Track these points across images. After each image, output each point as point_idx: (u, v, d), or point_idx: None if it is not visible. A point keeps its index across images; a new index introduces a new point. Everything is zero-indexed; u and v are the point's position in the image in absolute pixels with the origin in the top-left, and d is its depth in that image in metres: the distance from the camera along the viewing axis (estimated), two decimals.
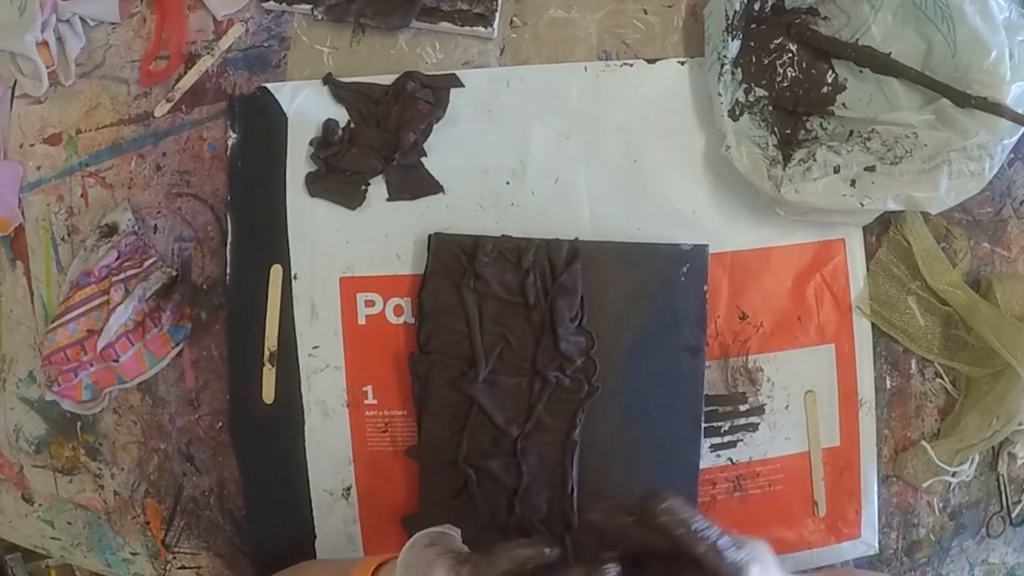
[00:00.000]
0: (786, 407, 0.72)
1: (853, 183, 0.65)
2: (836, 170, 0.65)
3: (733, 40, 0.67)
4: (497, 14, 0.72)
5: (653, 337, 0.70)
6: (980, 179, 0.63)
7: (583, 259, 0.68)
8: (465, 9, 0.72)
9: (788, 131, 0.70)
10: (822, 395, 0.72)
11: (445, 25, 0.72)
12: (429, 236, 0.70)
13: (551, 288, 0.68)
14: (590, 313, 0.69)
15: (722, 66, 0.67)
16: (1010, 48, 0.62)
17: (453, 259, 0.69)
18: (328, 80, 0.73)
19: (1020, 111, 0.62)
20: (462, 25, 0.72)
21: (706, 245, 0.70)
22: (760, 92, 0.70)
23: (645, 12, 0.73)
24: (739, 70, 0.68)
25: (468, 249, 0.69)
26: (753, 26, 0.70)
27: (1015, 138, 0.63)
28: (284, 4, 0.73)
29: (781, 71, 0.70)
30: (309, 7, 0.72)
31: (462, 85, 0.72)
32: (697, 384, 0.70)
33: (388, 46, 0.74)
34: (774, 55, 0.70)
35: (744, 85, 0.69)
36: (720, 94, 0.67)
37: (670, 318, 0.70)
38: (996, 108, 0.62)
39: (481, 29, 0.72)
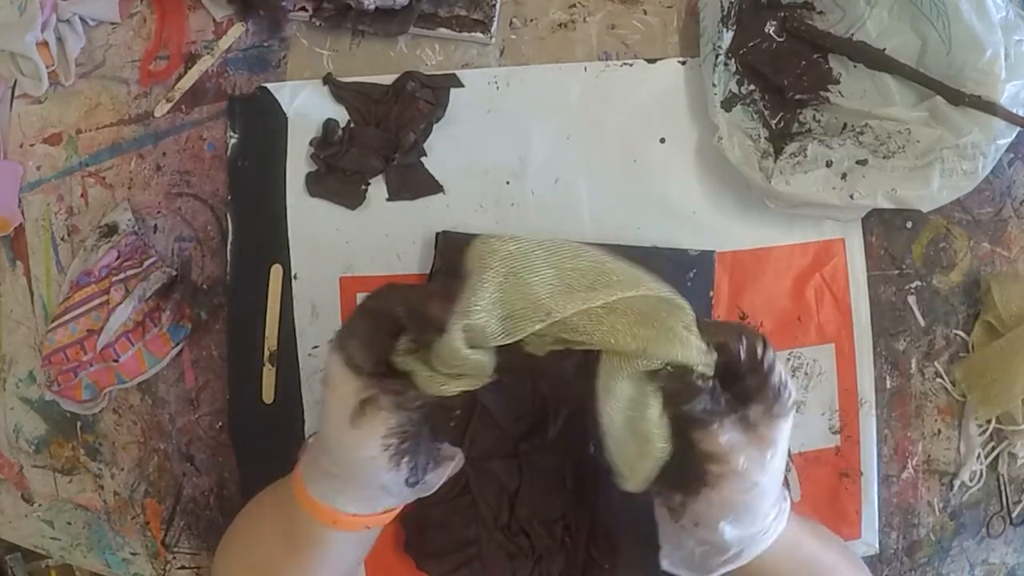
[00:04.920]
0: None
1: (844, 176, 0.65)
2: (828, 164, 0.66)
3: (728, 31, 0.67)
4: (495, 19, 0.72)
5: None
6: (973, 178, 0.63)
7: None
8: (463, 15, 0.71)
9: (781, 124, 0.70)
10: (822, 395, 0.72)
11: (443, 31, 0.72)
12: (437, 234, 0.70)
13: None
14: None
15: (716, 57, 0.67)
16: (1006, 48, 0.62)
17: (460, 258, 0.69)
18: (328, 80, 0.73)
19: (1014, 111, 0.62)
20: (460, 31, 0.72)
21: (713, 251, 0.70)
22: (753, 84, 0.70)
23: (645, 12, 0.73)
24: (733, 61, 0.68)
25: None
26: (748, 18, 0.70)
27: (1009, 138, 0.63)
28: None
29: (775, 64, 0.70)
30: (307, 15, 0.72)
31: (462, 85, 0.72)
32: None
33: (388, 49, 0.74)
34: (768, 48, 0.70)
35: (737, 76, 0.69)
36: (714, 84, 0.67)
37: None
38: (990, 107, 0.62)
39: (479, 35, 0.72)
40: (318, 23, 0.72)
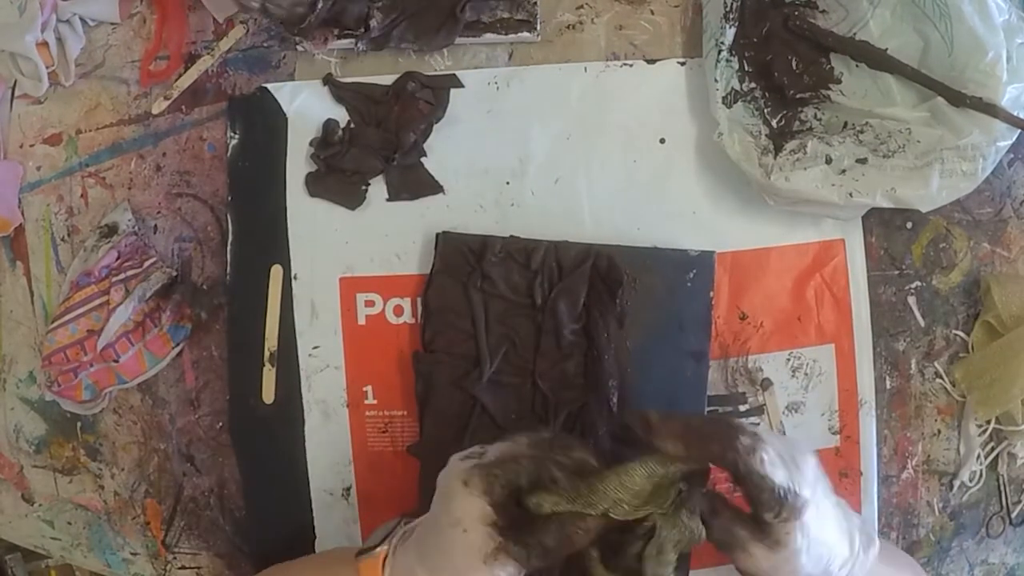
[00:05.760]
0: (786, 407, 0.72)
1: (843, 173, 0.65)
2: (828, 161, 0.66)
3: (730, 27, 0.67)
4: (539, 16, 0.71)
5: (658, 341, 0.70)
6: (973, 179, 0.63)
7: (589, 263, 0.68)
8: (507, 17, 0.71)
9: (783, 122, 0.70)
10: (822, 395, 0.72)
11: (490, 36, 0.72)
12: (437, 235, 0.70)
13: (555, 290, 0.68)
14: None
15: (719, 52, 0.67)
16: (1008, 50, 0.62)
17: (460, 258, 0.69)
18: (328, 80, 0.73)
19: (1015, 113, 0.62)
20: (507, 33, 0.71)
21: (713, 252, 0.70)
22: (754, 82, 0.70)
23: (652, 12, 0.73)
24: (735, 58, 0.68)
25: (476, 249, 0.69)
26: (751, 15, 0.70)
27: (1009, 140, 0.63)
28: (322, 46, 0.72)
29: (777, 62, 0.70)
30: (351, 43, 0.71)
31: (462, 85, 0.72)
32: (700, 389, 0.70)
33: (396, 55, 0.73)
34: (771, 46, 0.70)
35: (739, 73, 0.69)
36: (716, 80, 0.67)
37: (675, 323, 0.70)
38: (991, 109, 0.62)
39: (526, 34, 0.72)
40: (363, 49, 0.71)
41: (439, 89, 0.72)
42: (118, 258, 0.72)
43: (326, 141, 0.72)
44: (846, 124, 0.69)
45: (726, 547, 0.52)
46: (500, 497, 0.50)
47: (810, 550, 0.50)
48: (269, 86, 0.73)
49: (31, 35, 0.71)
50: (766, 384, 0.72)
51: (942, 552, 0.74)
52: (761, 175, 0.66)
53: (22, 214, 0.76)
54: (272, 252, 0.73)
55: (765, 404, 0.72)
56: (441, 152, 0.73)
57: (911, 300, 0.73)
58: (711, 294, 0.70)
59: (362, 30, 0.70)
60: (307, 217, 0.73)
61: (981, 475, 0.73)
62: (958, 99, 0.63)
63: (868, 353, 0.72)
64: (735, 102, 0.68)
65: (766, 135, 0.68)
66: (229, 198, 0.74)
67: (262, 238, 0.73)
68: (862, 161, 0.66)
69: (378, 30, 0.71)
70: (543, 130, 0.72)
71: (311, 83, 0.73)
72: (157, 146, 0.75)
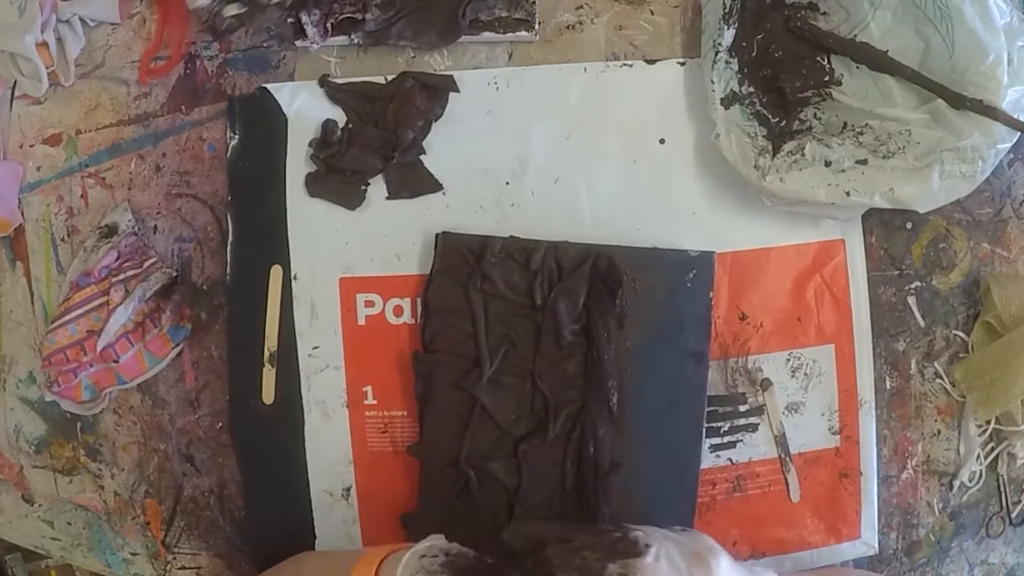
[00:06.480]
0: (786, 407, 0.72)
1: (842, 173, 0.65)
2: (827, 164, 0.66)
3: (729, 29, 0.67)
4: (537, 15, 0.71)
5: (658, 342, 0.70)
6: (972, 181, 0.64)
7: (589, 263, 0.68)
8: (505, 16, 0.71)
9: (782, 122, 0.70)
10: (822, 396, 0.72)
11: (488, 35, 0.72)
12: (437, 235, 0.70)
13: (555, 290, 0.68)
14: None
15: (716, 54, 0.67)
16: (1009, 53, 0.62)
17: (460, 259, 0.69)
18: (323, 82, 0.73)
19: (1016, 116, 0.62)
20: (504, 32, 0.72)
21: (712, 252, 0.70)
22: (753, 84, 0.70)
23: (652, 13, 0.73)
24: (734, 60, 0.68)
25: (476, 249, 0.69)
26: (751, 17, 0.70)
27: (1009, 143, 0.63)
28: (318, 42, 0.71)
29: (777, 63, 0.70)
30: (346, 38, 0.71)
31: (457, 90, 0.72)
32: (700, 390, 0.70)
33: (396, 54, 0.73)
34: (771, 47, 0.70)
35: (739, 75, 0.69)
36: (713, 81, 0.67)
37: (675, 323, 0.70)
38: (991, 112, 0.62)
39: (524, 33, 0.72)
40: (359, 42, 0.71)
41: (437, 89, 0.72)
42: (118, 258, 0.72)
43: (325, 141, 0.72)
44: (846, 125, 0.69)
45: None
46: None
47: None
48: (269, 86, 0.73)
49: (31, 35, 0.71)
50: (766, 384, 0.72)
51: (942, 552, 0.75)
52: (756, 177, 0.66)
53: (22, 214, 0.76)
54: (272, 252, 0.73)
55: (765, 404, 0.72)
56: (441, 152, 0.73)
57: (911, 300, 0.73)
58: (711, 294, 0.70)
59: (360, 17, 0.70)
60: (307, 217, 0.73)
61: (981, 475, 0.73)
62: (958, 101, 0.63)
63: (868, 353, 0.72)
64: (733, 103, 0.68)
65: (763, 136, 0.68)
66: (229, 198, 0.74)
67: (262, 238, 0.73)
68: (862, 162, 0.66)
69: (374, 24, 0.71)
70: (543, 130, 0.72)
71: (311, 83, 0.73)
72: (157, 146, 0.75)
